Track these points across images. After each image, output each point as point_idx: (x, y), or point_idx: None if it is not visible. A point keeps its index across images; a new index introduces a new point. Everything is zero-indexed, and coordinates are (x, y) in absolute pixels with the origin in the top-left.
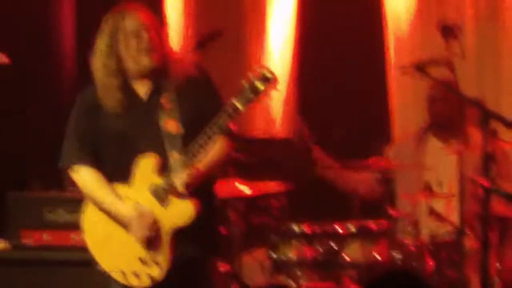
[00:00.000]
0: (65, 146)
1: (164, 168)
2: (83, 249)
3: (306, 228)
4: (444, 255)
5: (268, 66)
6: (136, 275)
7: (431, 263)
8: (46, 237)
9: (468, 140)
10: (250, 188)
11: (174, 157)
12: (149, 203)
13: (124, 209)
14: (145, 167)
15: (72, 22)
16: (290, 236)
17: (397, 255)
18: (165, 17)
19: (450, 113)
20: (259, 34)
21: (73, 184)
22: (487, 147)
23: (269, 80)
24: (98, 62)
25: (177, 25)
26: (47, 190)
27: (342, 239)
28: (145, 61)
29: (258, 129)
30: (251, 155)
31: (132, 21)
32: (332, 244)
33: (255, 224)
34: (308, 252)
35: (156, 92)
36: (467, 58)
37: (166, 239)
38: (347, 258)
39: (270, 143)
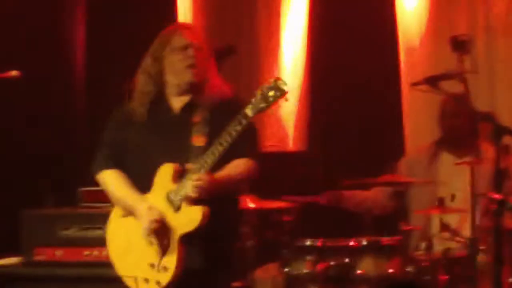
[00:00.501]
0: (96, 155)
1: (182, 177)
2: (96, 265)
3: (318, 243)
4: (457, 270)
5: (281, 77)
6: (146, 281)
7: (444, 278)
8: (59, 253)
9: (480, 155)
10: (263, 203)
11: (189, 166)
12: (163, 208)
13: (137, 200)
14: (164, 175)
15: (82, 33)
16: (302, 251)
17: (410, 270)
18: None
19: (462, 128)
20: (272, 48)
21: (85, 201)
22: (500, 162)
23: (281, 90)
24: (142, 72)
25: None
26: (60, 207)
27: (355, 254)
28: (187, 76)
29: (270, 143)
30: (263, 169)
31: (181, 38)
32: (345, 259)
33: (268, 239)
34: (320, 267)
35: (189, 107)
36: (479, 73)
37: (175, 245)
38: (360, 273)
39: (282, 156)
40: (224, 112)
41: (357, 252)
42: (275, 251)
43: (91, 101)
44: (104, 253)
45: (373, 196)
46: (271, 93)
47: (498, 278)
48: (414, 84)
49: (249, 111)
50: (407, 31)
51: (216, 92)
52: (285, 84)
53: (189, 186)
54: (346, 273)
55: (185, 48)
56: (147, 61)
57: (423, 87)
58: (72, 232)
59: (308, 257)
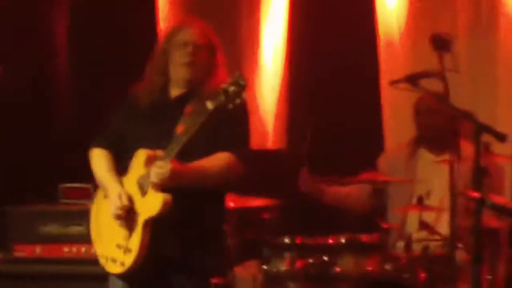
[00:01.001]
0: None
1: (151, 163)
2: (76, 262)
3: (298, 241)
4: (436, 268)
5: (241, 74)
6: (114, 261)
7: (423, 276)
8: (39, 250)
9: (460, 153)
10: (243, 201)
11: (159, 153)
12: (134, 192)
13: (111, 183)
14: (138, 160)
15: (64, 30)
16: (282, 249)
17: (389, 268)
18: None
19: (440, 125)
20: (253, 46)
21: (65, 197)
22: (479, 161)
23: (240, 86)
24: (152, 61)
25: None
26: (39, 203)
27: (334, 252)
28: (182, 73)
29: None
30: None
31: (184, 34)
32: (324, 257)
33: (248, 237)
34: (299, 265)
35: (185, 98)
36: (460, 71)
37: (140, 228)
38: (339, 271)
39: (262, 155)
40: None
41: (336, 250)
42: (255, 249)
43: (74, 98)
44: (83, 249)
45: (354, 193)
46: (231, 88)
47: (477, 276)
48: (394, 82)
49: (209, 104)
50: (387, 28)
51: (215, 87)
52: (243, 79)
53: (153, 172)
54: (325, 271)
55: (185, 45)
56: (157, 52)
57: (403, 85)
58: (52, 228)
59: (287, 255)
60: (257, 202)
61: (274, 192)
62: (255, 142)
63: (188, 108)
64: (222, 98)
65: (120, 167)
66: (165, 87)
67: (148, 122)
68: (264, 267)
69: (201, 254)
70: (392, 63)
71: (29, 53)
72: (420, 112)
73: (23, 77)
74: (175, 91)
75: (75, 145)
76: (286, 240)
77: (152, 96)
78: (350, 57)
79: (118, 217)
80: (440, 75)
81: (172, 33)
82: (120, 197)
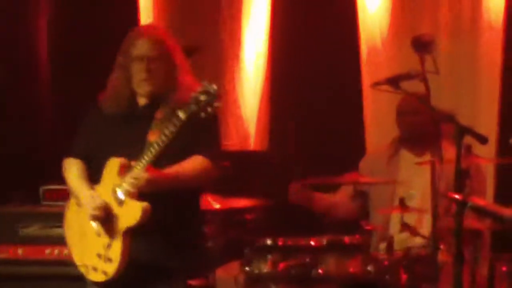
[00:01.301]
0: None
1: (128, 171)
2: (57, 263)
3: (280, 242)
4: (417, 269)
5: (212, 83)
6: (95, 270)
7: (404, 277)
8: (20, 251)
9: (441, 154)
10: (225, 202)
11: (133, 162)
12: (109, 201)
13: (83, 190)
14: (111, 169)
15: (45, 30)
16: (264, 250)
17: (371, 270)
18: None
19: (422, 127)
20: (234, 48)
21: (47, 199)
22: (461, 162)
23: (211, 95)
24: (115, 72)
25: None
26: (21, 205)
27: (316, 254)
28: (143, 88)
29: (232, 143)
30: (225, 168)
31: (138, 48)
32: (306, 258)
33: (230, 238)
34: (282, 266)
35: (153, 106)
36: (442, 73)
37: (120, 237)
38: (321, 273)
39: (244, 156)
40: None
41: (319, 252)
42: (238, 250)
43: (56, 100)
44: (65, 251)
45: (340, 201)
46: (202, 97)
47: (458, 277)
48: (376, 84)
49: (182, 114)
50: (369, 31)
51: (184, 92)
52: (214, 88)
53: (128, 182)
54: (308, 272)
55: (140, 59)
56: (118, 63)
57: (385, 87)
58: (34, 230)
59: (270, 256)
60: (239, 203)
61: (256, 193)
62: (237, 144)
63: (158, 115)
64: (194, 107)
65: (95, 176)
66: (131, 96)
67: (119, 130)
68: (246, 268)
69: (181, 258)
70: (374, 66)
71: (8, 53)
72: (403, 113)
73: (2, 77)
74: (141, 100)
75: (57, 146)
76: (269, 242)
77: (119, 105)
78: (332, 60)
79: (96, 218)
80: (421, 77)
81: (127, 46)
82: (93, 197)
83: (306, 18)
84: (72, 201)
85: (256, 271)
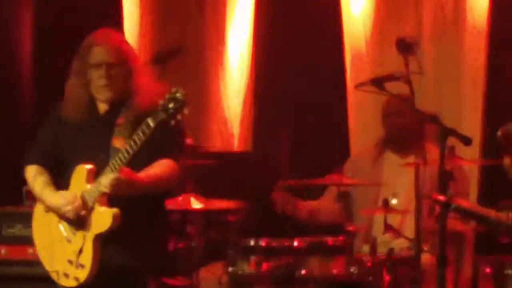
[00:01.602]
0: (29, 149)
1: (94, 178)
2: (40, 263)
3: (263, 243)
4: (401, 271)
5: (180, 89)
6: (66, 276)
7: (388, 278)
8: (3, 251)
9: (425, 156)
10: (209, 203)
11: (102, 168)
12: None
13: (53, 195)
14: (79, 175)
15: (29, 31)
16: (247, 251)
17: (354, 271)
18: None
19: (406, 128)
20: (218, 49)
21: (30, 199)
22: (444, 164)
23: (179, 102)
24: (72, 79)
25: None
26: (4, 205)
27: (299, 255)
28: (103, 95)
29: (216, 144)
30: (208, 169)
31: (95, 55)
32: (290, 259)
33: (214, 239)
34: (265, 267)
35: (114, 112)
36: (426, 75)
37: (90, 243)
38: (305, 274)
39: (227, 156)
40: (146, 117)
41: (302, 253)
42: (221, 251)
43: (38, 99)
44: None
45: (324, 207)
46: (171, 105)
47: (442, 279)
48: (360, 85)
49: (151, 121)
50: (354, 32)
51: (143, 102)
52: (182, 94)
53: (97, 189)
54: (291, 273)
55: (98, 66)
56: (74, 69)
57: (369, 88)
58: (17, 230)
59: (253, 257)
60: (223, 204)
61: (240, 194)
62: (220, 144)
63: (119, 121)
64: (163, 115)
65: (58, 182)
66: (90, 103)
67: (81, 136)
68: (230, 269)
69: (151, 260)
70: (358, 68)
71: None
72: (388, 115)
73: None
74: (101, 106)
75: None
76: (252, 242)
77: (79, 112)
78: (316, 61)
79: (69, 213)
80: (406, 78)
81: (84, 53)
82: (62, 195)
83: (290, 20)
84: (39, 208)
85: (240, 272)
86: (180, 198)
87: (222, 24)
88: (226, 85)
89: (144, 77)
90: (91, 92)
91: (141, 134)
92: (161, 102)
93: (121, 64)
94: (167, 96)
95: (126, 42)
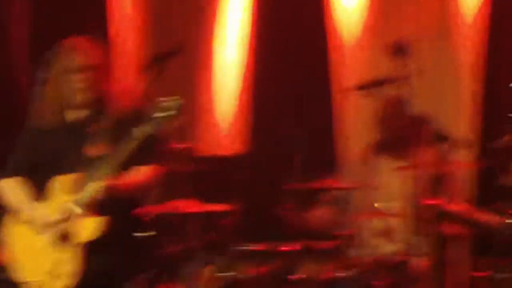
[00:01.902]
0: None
1: (78, 187)
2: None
3: (254, 247)
4: (392, 275)
5: (176, 98)
6: (46, 286)
7: (379, 282)
8: None
9: (418, 159)
10: (201, 206)
11: (86, 177)
12: (61, 218)
13: (37, 207)
14: (62, 185)
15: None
16: (240, 254)
17: (345, 275)
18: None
19: (399, 132)
20: (208, 56)
21: None
22: (438, 167)
23: (166, 111)
24: (47, 86)
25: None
26: None
27: (289, 259)
28: (79, 98)
29: (209, 147)
30: (201, 173)
31: (74, 59)
32: (282, 263)
33: (205, 242)
34: (257, 271)
35: (87, 120)
36: (418, 77)
37: (73, 253)
38: (297, 277)
39: (219, 160)
40: (127, 122)
41: (294, 257)
42: (213, 254)
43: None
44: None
45: (317, 217)
46: (159, 115)
47: (439, 282)
48: (360, 87)
49: (138, 132)
50: (346, 36)
51: (116, 107)
52: (178, 104)
53: (83, 199)
54: (283, 277)
55: (77, 70)
56: (50, 76)
57: (362, 91)
58: None
59: (245, 261)
60: (215, 207)
61: (232, 197)
62: (212, 148)
63: (97, 127)
64: (148, 125)
65: (36, 193)
66: (63, 110)
67: (57, 146)
68: (222, 273)
69: (134, 267)
70: (349, 72)
71: None
72: (383, 118)
73: None
74: (76, 113)
75: None
76: (244, 246)
77: (52, 120)
78: (307, 67)
79: (55, 223)
80: (397, 82)
81: (59, 58)
82: (48, 206)
83: (280, 25)
84: (10, 221)
85: (232, 276)
86: (176, 201)
87: (214, 28)
88: (216, 90)
89: (119, 83)
90: (64, 99)
91: (129, 145)
92: (151, 111)
93: (96, 69)
94: (161, 104)
95: (100, 48)
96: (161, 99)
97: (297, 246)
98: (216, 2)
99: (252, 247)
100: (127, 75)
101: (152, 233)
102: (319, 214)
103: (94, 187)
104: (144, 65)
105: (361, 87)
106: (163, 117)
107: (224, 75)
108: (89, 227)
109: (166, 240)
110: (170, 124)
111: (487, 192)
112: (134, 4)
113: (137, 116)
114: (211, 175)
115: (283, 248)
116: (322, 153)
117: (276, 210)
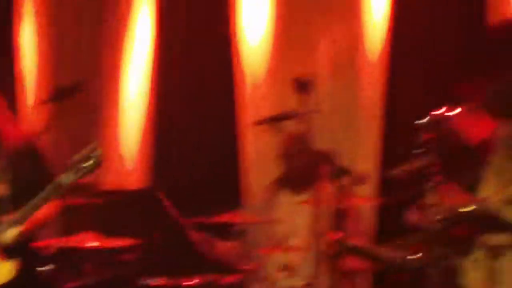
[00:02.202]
0: None
1: None
2: None
3: (161, 282)
4: None
5: (93, 146)
6: None
7: None
8: None
9: (320, 194)
10: (104, 241)
11: (2, 219)
12: None
13: None
14: None
15: None
16: None
17: None
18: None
19: (302, 167)
20: (115, 85)
21: None
22: (339, 202)
23: (91, 159)
24: None
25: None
26: None
27: None
28: None
29: (111, 181)
30: (104, 207)
31: None
32: None
33: (107, 277)
34: None
35: None
36: (322, 113)
37: None
38: None
39: (125, 194)
40: (20, 163)
41: None
42: None
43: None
44: None
45: (226, 250)
46: (84, 164)
47: None
48: (258, 122)
49: (64, 180)
50: (250, 72)
51: (10, 144)
52: (99, 155)
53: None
54: None
55: None
56: None
57: (265, 126)
58: None
59: None
60: (118, 242)
61: (135, 232)
62: (115, 182)
63: None
64: (74, 174)
65: None
66: None
67: None
68: None
69: None
70: (255, 107)
71: None
72: (285, 155)
73: None
74: None
75: None
76: (148, 282)
77: None
78: (213, 101)
79: None
80: (300, 117)
81: None
82: None
83: (187, 55)
84: None
85: None
86: (77, 235)
87: (119, 60)
88: (122, 122)
89: (9, 122)
90: None
91: (53, 193)
92: (71, 161)
93: None
94: (83, 153)
95: None
96: (83, 149)
97: (200, 280)
98: (123, 38)
99: (153, 282)
100: (30, 110)
101: (52, 267)
102: (225, 248)
103: (12, 233)
104: (45, 100)
105: (262, 122)
106: (86, 166)
107: (129, 108)
108: (4, 271)
109: (66, 274)
110: (92, 173)
111: (388, 226)
112: (43, 39)
113: (30, 153)
114: (114, 209)
115: (185, 283)
116: (226, 188)
117: (182, 244)
